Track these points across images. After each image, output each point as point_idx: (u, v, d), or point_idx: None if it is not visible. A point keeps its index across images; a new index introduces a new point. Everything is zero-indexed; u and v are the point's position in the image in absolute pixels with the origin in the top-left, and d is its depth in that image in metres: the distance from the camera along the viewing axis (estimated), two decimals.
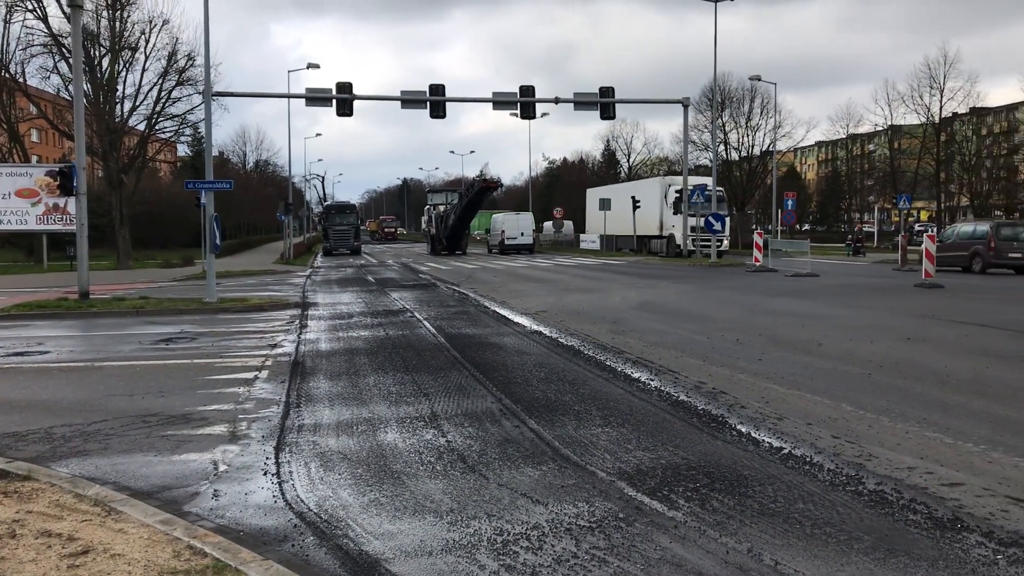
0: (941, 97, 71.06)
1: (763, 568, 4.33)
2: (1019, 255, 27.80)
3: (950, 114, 75.53)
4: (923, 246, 22.66)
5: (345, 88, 35.02)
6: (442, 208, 58.18)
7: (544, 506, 5.33)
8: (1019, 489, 5.55)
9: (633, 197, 48.20)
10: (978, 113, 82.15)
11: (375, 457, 6.57)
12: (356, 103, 35.78)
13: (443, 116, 35.93)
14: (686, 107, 42.05)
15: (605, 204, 51.84)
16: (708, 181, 41.47)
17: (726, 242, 43.37)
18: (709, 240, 38.33)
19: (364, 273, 34.44)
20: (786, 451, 6.50)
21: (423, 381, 9.69)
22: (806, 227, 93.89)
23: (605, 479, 5.85)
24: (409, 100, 36.37)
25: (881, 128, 80.00)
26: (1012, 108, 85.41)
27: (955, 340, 12.37)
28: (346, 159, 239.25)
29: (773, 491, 5.54)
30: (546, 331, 13.90)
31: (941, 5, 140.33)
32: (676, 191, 42.87)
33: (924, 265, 22.64)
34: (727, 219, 41.79)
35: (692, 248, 40.32)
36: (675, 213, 43.11)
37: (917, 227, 71.90)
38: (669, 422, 7.54)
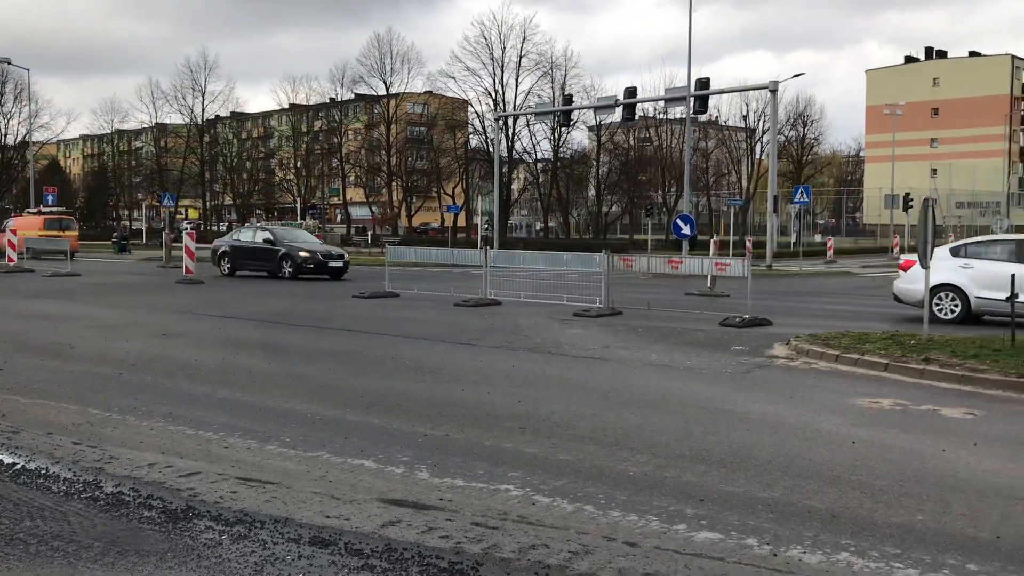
0: (203, 99, 74.28)
1: None
2: None
3: (213, 116, 79.57)
4: (184, 243, 23.35)
5: None
6: None
7: None
8: (248, 470, 6.04)
9: None
10: (239, 117, 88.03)
11: None
12: None
13: None
14: None
15: None
16: None
17: None
18: None
19: None
20: (19, 466, 6.03)
21: None
22: None
23: None
24: None
25: (148, 125, 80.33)
26: (268, 115, 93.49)
27: (208, 332, 13.02)
28: None
29: None
30: None
31: (211, 4, 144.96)
32: None
33: (185, 262, 23.35)
34: None
35: None
36: None
37: (186, 224, 73.84)
38: None
